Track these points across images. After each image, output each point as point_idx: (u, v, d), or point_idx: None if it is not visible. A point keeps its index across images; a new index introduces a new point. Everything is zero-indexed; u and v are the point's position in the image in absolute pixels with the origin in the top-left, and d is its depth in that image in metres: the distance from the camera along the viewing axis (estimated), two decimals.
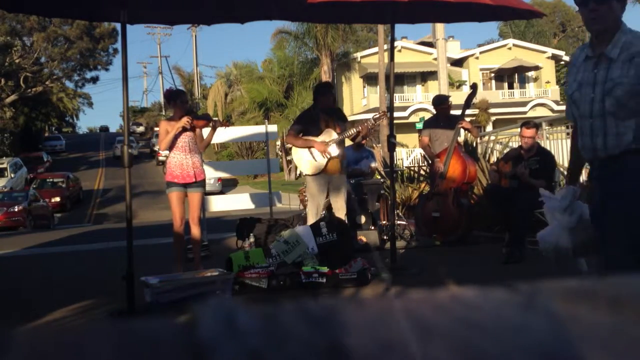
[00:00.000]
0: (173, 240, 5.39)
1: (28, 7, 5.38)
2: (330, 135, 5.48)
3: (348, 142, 6.46)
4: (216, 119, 6.82)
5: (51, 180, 24.75)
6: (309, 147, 5.51)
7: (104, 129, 70.96)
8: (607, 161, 2.59)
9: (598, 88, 2.56)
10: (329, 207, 5.98)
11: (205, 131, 5.46)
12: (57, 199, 22.33)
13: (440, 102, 7.13)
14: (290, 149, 33.51)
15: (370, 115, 6.06)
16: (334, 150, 5.48)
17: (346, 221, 5.66)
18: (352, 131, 5.60)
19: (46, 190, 22.61)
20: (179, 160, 5.24)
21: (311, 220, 5.56)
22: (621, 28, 2.57)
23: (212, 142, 5.97)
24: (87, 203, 25.02)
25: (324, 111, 5.63)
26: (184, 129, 5.21)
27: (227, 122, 6.01)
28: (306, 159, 5.56)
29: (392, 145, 5.59)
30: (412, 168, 11.80)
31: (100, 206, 24.57)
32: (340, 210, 5.60)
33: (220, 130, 5.76)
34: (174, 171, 5.24)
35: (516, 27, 40.93)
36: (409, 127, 28.19)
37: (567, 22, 54.10)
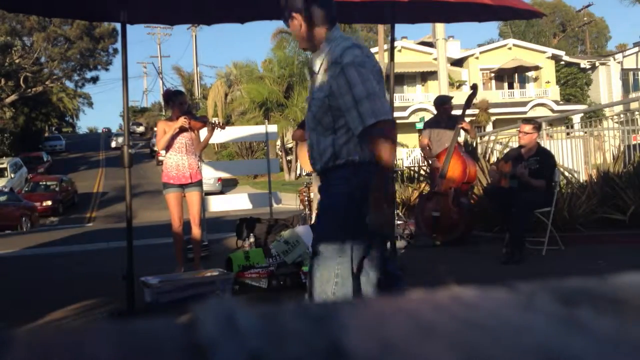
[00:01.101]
0: (173, 240, 5.40)
1: (28, 7, 5.37)
2: None
3: None
4: (216, 119, 6.83)
5: (44, 183, 24.20)
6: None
7: (107, 131, 71.38)
8: (321, 175, 2.54)
9: (308, 103, 2.53)
10: None
11: (203, 133, 5.47)
12: (49, 202, 21.81)
13: (443, 102, 7.12)
14: (290, 149, 33.20)
15: None
16: None
17: None
18: None
19: (38, 194, 22.18)
20: (175, 161, 5.25)
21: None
22: (326, 37, 2.42)
23: (213, 142, 5.97)
24: (83, 206, 24.67)
25: None
26: (182, 130, 5.23)
27: (224, 124, 6.01)
28: (307, 157, 5.57)
29: None
30: (412, 168, 11.80)
31: (100, 206, 24.56)
32: None
33: (219, 130, 5.76)
34: (170, 172, 5.25)
35: (516, 27, 40.96)
36: (409, 127, 28.17)
37: (567, 22, 54.12)
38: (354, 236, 2.39)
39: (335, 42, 2.38)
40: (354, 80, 2.27)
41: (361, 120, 2.27)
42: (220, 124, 5.75)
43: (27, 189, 23.52)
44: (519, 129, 5.87)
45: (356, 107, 2.27)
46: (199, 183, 5.38)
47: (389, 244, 4.54)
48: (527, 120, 5.95)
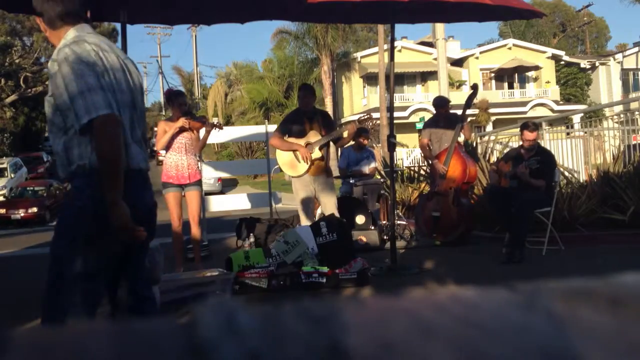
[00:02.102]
0: (172, 240, 5.40)
1: (28, 7, 5.36)
2: (315, 136, 5.45)
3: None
4: (215, 119, 6.84)
5: (32, 188, 22.33)
6: (293, 150, 5.45)
7: None
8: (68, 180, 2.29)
9: None
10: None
11: (202, 133, 5.50)
12: (35, 209, 20.08)
13: (442, 104, 7.13)
14: None
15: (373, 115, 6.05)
16: (317, 153, 5.44)
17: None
18: (336, 133, 5.55)
19: (24, 200, 20.73)
20: (174, 161, 5.27)
21: (303, 221, 5.54)
22: (64, 37, 2.27)
23: (213, 142, 5.99)
24: None
25: (308, 113, 5.59)
26: (181, 130, 5.25)
27: (221, 125, 6.01)
28: (289, 162, 5.52)
29: (392, 145, 5.59)
30: (412, 168, 11.80)
31: None
32: (330, 210, 5.55)
33: (217, 131, 5.77)
34: (170, 172, 5.28)
35: (516, 27, 40.96)
36: (409, 127, 28.18)
37: (567, 22, 54.11)
38: (88, 258, 2.17)
39: (65, 41, 2.25)
40: (68, 77, 2.13)
41: (77, 119, 2.11)
42: (219, 125, 5.76)
43: (13, 195, 22.14)
44: (523, 136, 5.84)
45: (72, 106, 2.12)
46: (198, 182, 5.39)
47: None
48: (527, 125, 5.92)
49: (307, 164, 5.37)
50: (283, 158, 5.58)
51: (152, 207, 2.40)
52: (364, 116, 5.83)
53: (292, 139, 5.47)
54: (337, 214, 5.55)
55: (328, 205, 5.57)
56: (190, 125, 5.30)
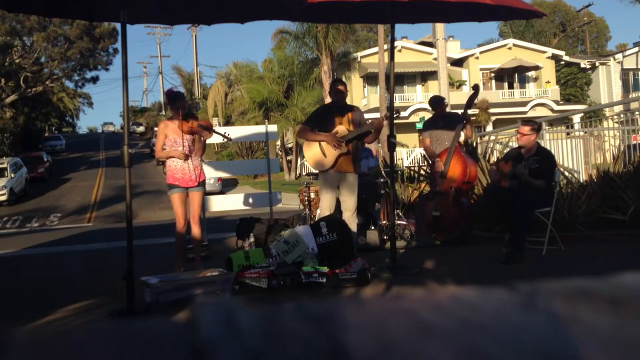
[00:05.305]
0: (175, 240, 5.40)
1: (28, 7, 5.37)
2: (343, 132, 5.40)
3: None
4: (216, 119, 6.85)
5: None
6: (319, 141, 5.41)
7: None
8: None
9: None
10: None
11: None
12: None
13: (437, 104, 7.13)
14: (290, 149, 32.87)
15: (372, 115, 6.02)
16: (343, 148, 5.38)
17: (356, 221, 5.58)
18: (363, 129, 5.48)
19: None
20: (180, 165, 5.28)
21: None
22: None
23: (213, 142, 5.99)
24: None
25: (338, 108, 5.54)
26: (188, 132, 5.29)
27: (230, 137, 6.06)
28: (316, 157, 5.48)
29: (392, 145, 5.57)
30: (412, 168, 11.80)
31: (100, 206, 24.53)
32: (349, 209, 5.49)
33: (224, 141, 5.83)
34: (175, 174, 5.28)
35: (516, 27, 40.96)
36: (409, 127, 28.17)
37: (567, 22, 54.09)
38: None
39: None
40: None
41: None
42: (228, 135, 5.85)
43: None
44: (518, 129, 5.86)
45: None
46: (202, 183, 5.42)
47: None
48: (527, 122, 5.93)
49: (336, 147, 5.31)
50: (310, 153, 5.52)
51: None
52: (388, 113, 5.77)
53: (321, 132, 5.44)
54: (354, 214, 5.49)
55: (347, 204, 5.49)
56: (193, 130, 5.32)
